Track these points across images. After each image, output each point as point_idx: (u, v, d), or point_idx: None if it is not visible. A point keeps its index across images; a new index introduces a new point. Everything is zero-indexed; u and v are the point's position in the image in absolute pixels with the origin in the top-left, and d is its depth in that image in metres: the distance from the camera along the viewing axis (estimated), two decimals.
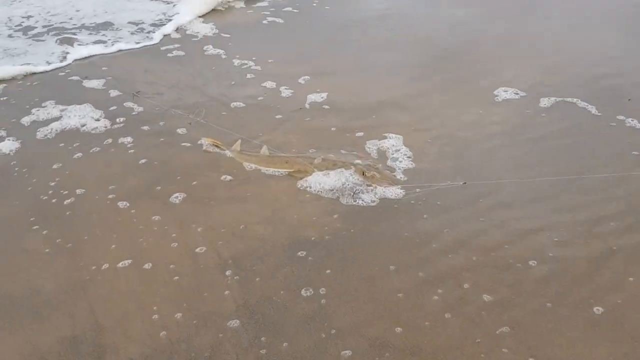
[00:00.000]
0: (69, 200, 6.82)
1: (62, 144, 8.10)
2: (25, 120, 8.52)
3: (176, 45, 11.52)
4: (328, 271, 5.48)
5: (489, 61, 10.43)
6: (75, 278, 5.45)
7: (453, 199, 6.46)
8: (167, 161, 7.71)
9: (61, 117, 8.76)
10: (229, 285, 5.39)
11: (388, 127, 8.27)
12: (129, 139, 8.41)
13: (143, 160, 7.75)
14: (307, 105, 9.10)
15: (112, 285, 5.42)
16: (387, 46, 11.42)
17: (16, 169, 7.47)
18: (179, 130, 8.50)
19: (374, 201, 6.49)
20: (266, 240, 6.00)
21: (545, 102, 8.65)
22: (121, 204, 6.80)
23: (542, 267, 5.34)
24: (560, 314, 4.83)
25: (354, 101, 9.17)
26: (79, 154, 7.83)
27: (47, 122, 8.61)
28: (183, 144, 8.17)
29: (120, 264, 5.71)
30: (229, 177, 7.18)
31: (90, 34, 11.63)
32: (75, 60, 10.37)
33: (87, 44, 10.92)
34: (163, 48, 11.39)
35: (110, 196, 6.98)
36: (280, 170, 7.23)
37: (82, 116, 8.82)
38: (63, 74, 9.88)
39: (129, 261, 5.76)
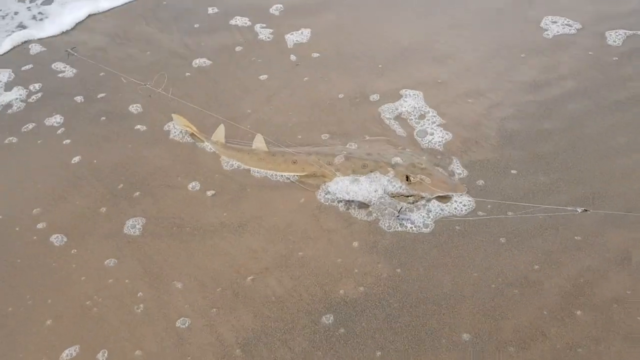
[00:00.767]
0: None
1: None
2: None
3: None
4: (379, 354, 3.65)
5: None
6: None
7: (559, 222, 4.52)
8: (117, 161, 5.47)
9: None
10: None
11: (411, 85, 6.09)
12: (58, 118, 6.07)
13: (77, 159, 5.51)
14: (292, 57, 6.74)
15: None
16: None
17: None
18: (133, 108, 6.14)
19: (428, 225, 4.51)
20: (285, 304, 4.05)
21: (613, 37, 6.49)
22: (56, 240, 4.70)
23: None
24: None
25: (351, 45, 6.86)
26: None
27: None
28: (138, 127, 5.87)
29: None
30: (211, 192, 5.03)
31: None
32: None
33: None
34: None
35: (39, 226, 4.85)
36: (286, 174, 5.11)
37: None
38: None
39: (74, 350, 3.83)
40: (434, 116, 5.67)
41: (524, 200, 4.63)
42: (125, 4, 8.16)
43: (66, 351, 3.90)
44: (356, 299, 4.05)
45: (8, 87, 6.65)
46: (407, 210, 4.62)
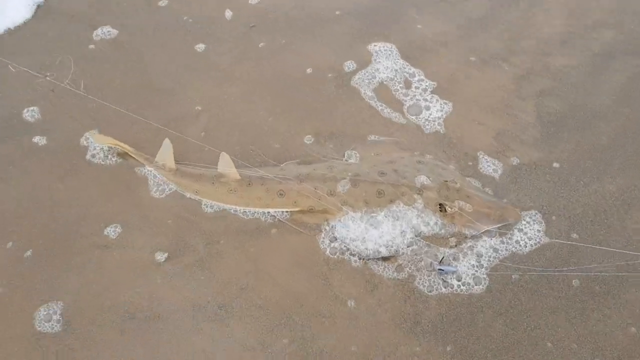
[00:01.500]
0: None
1: None
2: None
3: None
4: None
5: None
6: None
7: None
8: (4, 202, 3.77)
9: None
10: None
11: (413, 59, 4.64)
12: None
13: None
14: (229, 13, 5.01)
15: None
16: None
17: None
18: (28, 113, 4.32)
19: (481, 280, 3.30)
20: None
21: None
22: None
23: None
24: None
25: None
26: None
27: None
28: (37, 141, 4.10)
29: None
30: (162, 255, 3.50)
31: None
32: None
33: None
34: None
35: None
36: (271, 210, 3.65)
37: None
38: None
39: None
40: (422, 79, 4.33)
41: (605, 231, 3.47)
42: None
43: None
44: None
45: None
46: (449, 258, 3.35)
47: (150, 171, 3.88)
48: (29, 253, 3.49)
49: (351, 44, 4.74)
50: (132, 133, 4.10)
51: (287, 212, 3.63)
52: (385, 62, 4.56)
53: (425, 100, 4.30)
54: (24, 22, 4.96)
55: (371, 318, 3.20)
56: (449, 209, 3.47)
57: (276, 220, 3.61)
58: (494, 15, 4.96)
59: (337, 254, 3.44)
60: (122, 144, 3.92)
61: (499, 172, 3.84)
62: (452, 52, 4.67)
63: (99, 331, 3.16)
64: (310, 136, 4.10)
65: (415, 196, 3.51)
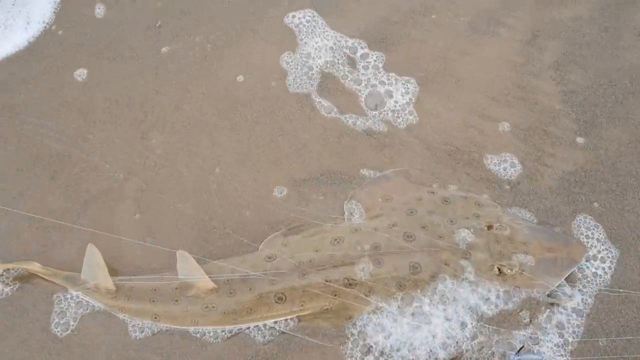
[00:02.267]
0: None
1: None
2: None
3: None
4: None
5: None
6: None
7: None
8: None
9: None
10: None
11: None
12: None
13: None
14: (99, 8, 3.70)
15: None
16: None
17: None
18: None
19: None
20: None
21: None
22: None
23: None
24: None
25: None
26: None
27: None
28: None
29: None
30: None
31: None
32: None
33: None
34: None
35: None
36: (271, 322, 2.59)
37: None
38: None
39: None
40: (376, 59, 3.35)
41: None
42: None
43: None
44: None
45: None
46: (528, 343, 2.50)
47: (78, 296, 2.64)
48: None
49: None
50: (30, 240, 2.77)
51: (294, 317, 2.58)
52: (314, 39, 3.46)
53: (383, 82, 3.28)
54: None
55: None
56: (509, 270, 2.56)
57: (278, 334, 2.56)
58: None
59: None
60: (22, 264, 2.62)
61: (516, 171, 2.96)
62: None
63: None
64: (282, 187, 2.98)
65: (462, 262, 2.57)
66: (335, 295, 2.52)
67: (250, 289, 2.56)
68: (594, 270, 2.69)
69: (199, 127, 3.22)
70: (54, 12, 3.69)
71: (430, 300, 2.51)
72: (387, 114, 3.22)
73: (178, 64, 3.46)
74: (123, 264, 2.71)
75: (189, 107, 3.29)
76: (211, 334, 2.55)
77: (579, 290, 2.63)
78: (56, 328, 2.59)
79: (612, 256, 2.72)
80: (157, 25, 3.60)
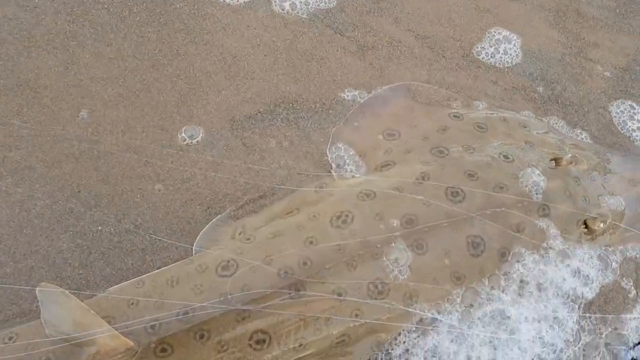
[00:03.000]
0: None
1: None
2: None
3: None
4: None
5: None
6: None
7: None
8: None
9: None
10: None
11: None
12: None
13: None
14: None
15: None
16: None
17: None
18: None
19: None
20: None
21: None
22: None
23: None
24: None
25: None
26: None
27: None
28: None
29: None
30: None
31: None
32: None
33: None
34: None
35: None
36: None
37: None
38: None
39: None
40: None
41: None
42: None
43: None
44: None
45: None
46: None
47: None
48: None
49: None
50: None
51: None
52: None
53: None
54: None
55: None
56: (601, 224, 1.67)
57: None
58: None
59: None
60: None
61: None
62: None
63: None
64: (213, 133, 1.73)
65: (541, 223, 1.60)
66: (356, 315, 1.43)
67: (202, 337, 1.35)
68: None
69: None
70: None
71: (506, 293, 1.52)
72: None
73: None
74: None
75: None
76: None
77: None
78: None
79: None
80: None
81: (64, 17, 1.88)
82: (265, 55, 1.87)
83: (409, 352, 1.50)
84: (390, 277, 1.47)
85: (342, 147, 1.75)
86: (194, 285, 1.40)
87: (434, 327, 1.50)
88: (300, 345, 1.43)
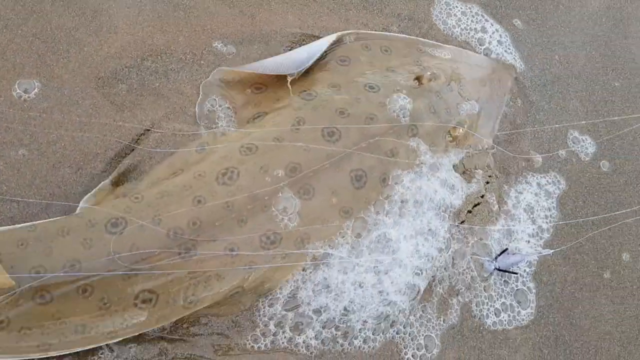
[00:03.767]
0: None
1: None
2: None
3: None
4: None
5: None
6: None
7: None
8: None
9: None
10: None
11: None
12: None
13: None
14: None
15: None
16: None
17: None
18: None
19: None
20: None
21: None
22: None
23: None
24: None
25: None
26: None
27: None
28: None
29: None
30: None
31: None
32: None
33: None
34: None
35: None
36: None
37: None
38: None
39: None
40: None
41: None
42: None
43: None
44: None
45: None
46: (509, 245, 1.85)
47: None
48: None
49: None
50: None
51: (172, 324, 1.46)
52: None
53: None
54: None
55: None
56: (460, 130, 1.81)
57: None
58: None
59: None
60: None
61: None
62: None
63: None
64: (80, 91, 1.67)
65: (412, 142, 1.70)
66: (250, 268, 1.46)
67: (85, 292, 1.33)
68: None
69: None
70: None
71: (389, 217, 1.61)
72: None
73: None
74: None
75: None
76: None
77: None
78: None
79: None
80: None
81: None
82: (128, 8, 1.78)
83: (299, 288, 1.55)
84: (280, 227, 1.49)
85: (215, 100, 1.73)
86: (84, 239, 1.35)
87: (324, 262, 1.55)
88: (191, 303, 1.43)
